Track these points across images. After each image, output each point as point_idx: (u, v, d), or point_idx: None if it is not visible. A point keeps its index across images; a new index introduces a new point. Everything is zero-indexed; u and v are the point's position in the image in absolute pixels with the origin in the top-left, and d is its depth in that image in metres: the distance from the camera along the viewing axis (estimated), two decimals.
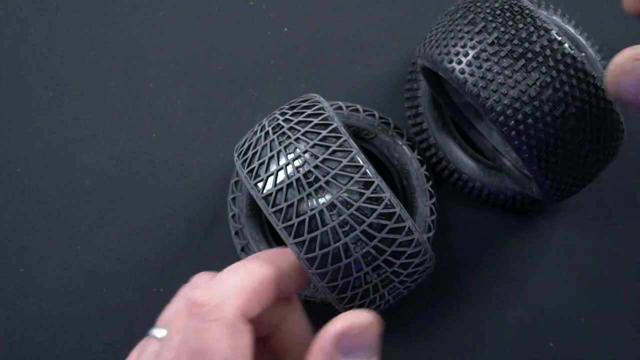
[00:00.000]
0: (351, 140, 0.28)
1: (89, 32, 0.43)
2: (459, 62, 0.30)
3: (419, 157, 0.39)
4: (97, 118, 0.42)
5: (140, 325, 0.40)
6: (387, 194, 0.28)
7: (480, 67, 0.30)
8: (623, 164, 0.40)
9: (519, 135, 0.29)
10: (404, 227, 0.28)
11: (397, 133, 0.39)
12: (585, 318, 0.40)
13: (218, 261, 0.41)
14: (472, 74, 0.30)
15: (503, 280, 0.40)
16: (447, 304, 0.40)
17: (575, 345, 0.39)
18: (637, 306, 0.40)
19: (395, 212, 0.28)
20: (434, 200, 0.38)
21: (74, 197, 0.42)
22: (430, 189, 0.38)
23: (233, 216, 0.39)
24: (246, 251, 0.39)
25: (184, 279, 0.41)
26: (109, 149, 0.42)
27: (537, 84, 0.29)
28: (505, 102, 0.29)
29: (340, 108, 0.39)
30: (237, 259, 0.39)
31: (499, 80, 0.29)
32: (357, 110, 0.39)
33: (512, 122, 0.29)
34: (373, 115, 0.39)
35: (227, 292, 0.27)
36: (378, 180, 0.28)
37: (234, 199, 0.39)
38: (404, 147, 0.39)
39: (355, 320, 0.26)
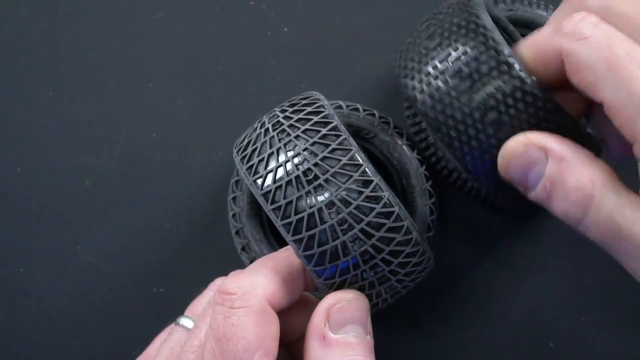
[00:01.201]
0: (351, 139, 0.28)
1: (89, 32, 0.44)
2: (412, 78, 0.30)
3: (418, 156, 0.39)
4: (97, 118, 0.43)
5: (140, 325, 0.41)
6: (386, 193, 0.28)
7: (429, 85, 0.30)
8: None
9: (463, 155, 0.29)
10: (402, 226, 0.28)
11: (397, 132, 0.39)
12: (585, 318, 0.40)
13: (218, 261, 0.41)
14: (421, 92, 0.30)
15: (503, 280, 0.40)
16: (446, 304, 0.40)
17: (575, 345, 0.39)
18: (636, 306, 0.40)
19: (393, 211, 0.27)
20: (433, 199, 0.38)
21: (74, 197, 0.42)
22: (429, 188, 0.38)
23: (234, 215, 0.39)
24: (247, 250, 0.39)
25: (184, 279, 0.41)
26: (109, 149, 0.42)
27: (482, 106, 0.29)
28: (450, 123, 0.29)
29: (340, 107, 0.39)
30: (237, 258, 0.39)
31: (446, 101, 0.29)
32: (357, 109, 0.39)
33: (457, 142, 0.29)
34: (373, 115, 0.39)
35: (255, 282, 0.28)
36: (377, 179, 0.28)
37: (234, 198, 0.39)
38: (403, 146, 0.39)
39: (340, 295, 0.28)
